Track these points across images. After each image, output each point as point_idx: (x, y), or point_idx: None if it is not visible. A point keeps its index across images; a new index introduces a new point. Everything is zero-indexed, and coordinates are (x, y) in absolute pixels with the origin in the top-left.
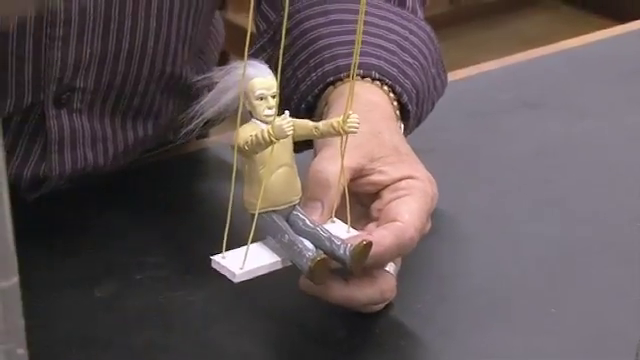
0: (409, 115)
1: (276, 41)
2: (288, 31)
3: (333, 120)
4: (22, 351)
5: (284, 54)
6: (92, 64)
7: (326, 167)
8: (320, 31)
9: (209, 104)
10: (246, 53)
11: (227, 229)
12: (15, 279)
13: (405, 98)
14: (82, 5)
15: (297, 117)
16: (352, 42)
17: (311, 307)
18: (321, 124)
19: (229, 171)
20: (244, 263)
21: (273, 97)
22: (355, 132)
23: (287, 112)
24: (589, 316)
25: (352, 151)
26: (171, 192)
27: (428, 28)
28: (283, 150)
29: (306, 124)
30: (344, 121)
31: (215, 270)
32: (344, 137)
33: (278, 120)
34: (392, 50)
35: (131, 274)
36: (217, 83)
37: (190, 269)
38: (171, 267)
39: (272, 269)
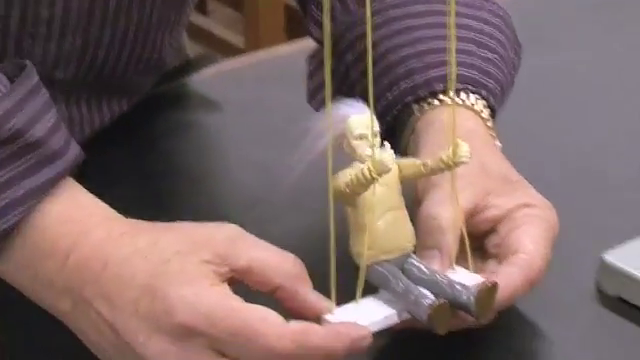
0: (495, 114)
1: (338, 53)
2: (351, 45)
3: (441, 154)
4: None
5: (348, 70)
6: (73, 56)
7: (439, 212)
8: (388, 43)
9: (306, 152)
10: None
11: (334, 281)
12: None
13: (492, 100)
14: (66, 5)
15: None
16: (426, 52)
17: None
18: (429, 160)
19: (208, 105)
20: (356, 319)
21: (374, 136)
22: (467, 162)
23: (388, 144)
24: None
25: (462, 191)
26: (149, 126)
27: (501, 11)
28: (390, 192)
29: (413, 162)
30: (454, 153)
31: None
32: (454, 171)
33: (378, 153)
34: (468, 50)
35: None
36: (311, 129)
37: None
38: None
39: (387, 323)
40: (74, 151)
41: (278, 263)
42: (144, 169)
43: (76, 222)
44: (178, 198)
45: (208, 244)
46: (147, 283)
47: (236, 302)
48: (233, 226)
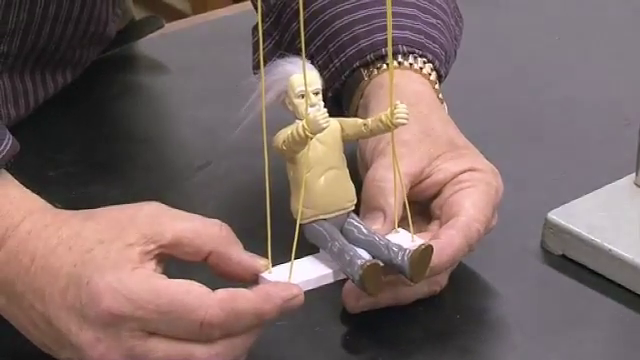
0: (441, 79)
1: (282, 24)
2: (295, 14)
3: (381, 114)
4: None
5: (294, 40)
6: (17, 31)
7: (385, 175)
8: (332, 11)
9: (251, 108)
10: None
11: (269, 241)
12: None
13: (437, 64)
14: None
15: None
16: (370, 17)
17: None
18: (369, 120)
19: (154, 67)
20: (290, 278)
21: (316, 94)
22: (405, 123)
23: (322, 103)
24: None
25: (409, 156)
26: (97, 90)
27: None
28: (331, 151)
29: (355, 122)
30: (392, 113)
31: None
32: (394, 133)
33: (312, 113)
34: (413, 15)
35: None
36: (257, 85)
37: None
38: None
39: (322, 282)
40: (8, 144)
41: (205, 230)
42: (93, 133)
43: (4, 217)
44: (128, 161)
45: (131, 227)
46: (72, 273)
47: (159, 280)
48: (154, 203)
